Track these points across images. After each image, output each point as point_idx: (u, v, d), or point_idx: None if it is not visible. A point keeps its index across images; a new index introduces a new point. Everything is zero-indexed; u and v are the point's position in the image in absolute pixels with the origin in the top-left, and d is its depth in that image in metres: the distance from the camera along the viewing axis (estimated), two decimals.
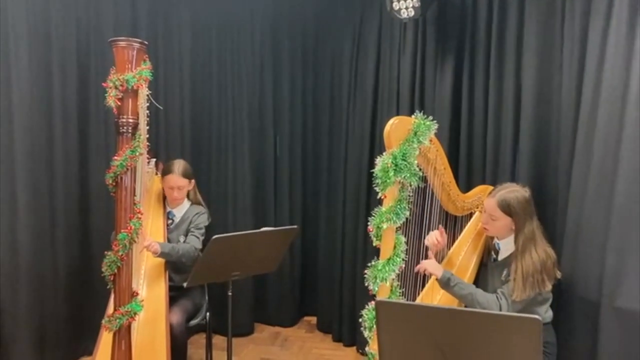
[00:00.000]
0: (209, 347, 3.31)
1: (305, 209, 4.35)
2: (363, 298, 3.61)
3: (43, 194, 3.28)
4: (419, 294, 2.49)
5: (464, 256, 2.58)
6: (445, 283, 2.33)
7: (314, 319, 4.36)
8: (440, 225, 2.49)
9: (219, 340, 3.78)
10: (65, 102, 3.35)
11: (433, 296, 2.49)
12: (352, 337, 3.88)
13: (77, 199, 3.47)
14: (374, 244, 2.25)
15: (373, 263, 2.21)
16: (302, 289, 4.40)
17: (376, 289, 2.18)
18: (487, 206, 2.41)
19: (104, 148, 3.51)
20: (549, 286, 2.27)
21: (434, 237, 2.45)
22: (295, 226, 2.76)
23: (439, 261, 2.54)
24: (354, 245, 3.83)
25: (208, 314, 3.15)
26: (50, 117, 3.30)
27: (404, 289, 2.31)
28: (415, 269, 2.40)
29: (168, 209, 3.20)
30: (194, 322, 3.08)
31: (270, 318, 4.29)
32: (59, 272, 3.39)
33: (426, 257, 2.43)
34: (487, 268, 2.54)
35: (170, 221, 3.18)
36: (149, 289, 2.84)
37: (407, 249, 2.25)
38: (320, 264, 4.25)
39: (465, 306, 2.32)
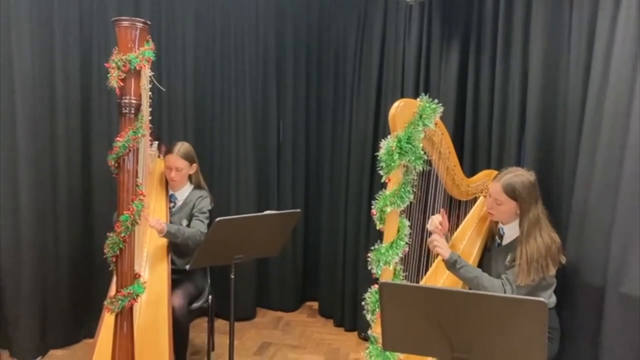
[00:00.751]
0: (211, 330, 3.32)
1: (308, 194, 4.35)
2: (365, 283, 3.59)
3: (45, 176, 3.28)
4: (422, 277, 2.48)
5: (467, 241, 2.57)
6: (452, 265, 2.32)
7: (315, 304, 4.37)
8: (442, 209, 2.47)
9: (221, 324, 3.79)
10: (67, 82, 3.34)
11: (437, 279, 2.48)
12: (353, 322, 3.90)
13: (80, 180, 3.46)
14: (377, 228, 2.23)
15: (376, 246, 2.20)
16: (304, 274, 4.41)
17: (379, 272, 2.16)
18: (492, 190, 2.39)
19: (107, 129, 3.49)
20: (553, 271, 2.25)
21: (437, 221, 2.43)
22: (298, 210, 2.73)
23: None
24: (356, 231, 3.83)
25: (210, 297, 3.15)
26: (52, 98, 3.29)
27: (407, 273, 2.29)
28: (428, 242, 2.38)
29: (170, 192, 3.19)
30: (196, 305, 3.07)
31: (273, 303, 4.31)
32: (61, 254, 3.40)
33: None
34: (491, 253, 2.53)
35: (172, 204, 3.17)
36: (151, 271, 2.84)
37: (410, 233, 2.23)
38: (322, 249, 4.25)
39: (470, 289, 2.31)
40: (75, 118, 3.40)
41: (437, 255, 2.42)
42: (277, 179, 4.21)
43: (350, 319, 3.92)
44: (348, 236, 3.91)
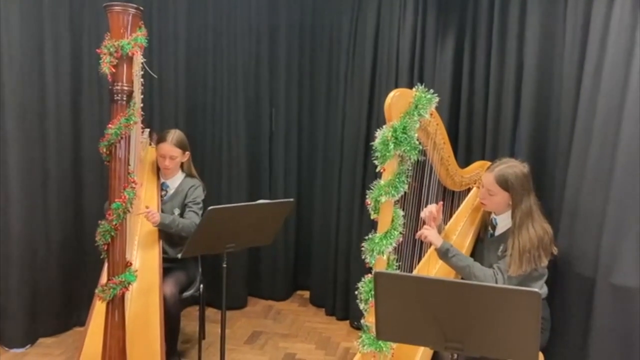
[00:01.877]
0: (202, 319, 3.32)
1: (300, 183, 4.34)
2: (357, 273, 3.59)
3: (35, 163, 3.24)
4: (415, 267, 2.48)
5: (460, 231, 2.58)
6: (444, 253, 2.33)
7: (307, 294, 4.38)
8: (440, 202, 2.47)
9: (212, 313, 3.79)
10: (57, 70, 3.29)
11: (429, 269, 2.49)
12: (345, 311, 3.91)
13: (70, 168, 3.43)
14: (371, 217, 2.23)
15: (370, 236, 2.20)
16: (295, 263, 4.41)
17: (373, 262, 2.16)
18: (485, 181, 2.39)
19: (98, 116, 3.46)
20: (545, 262, 2.26)
21: (433, 209, 2.44)
22: (291, 199, 2.73)
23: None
24: (349, 220, 3.83)
25: (202, 286, 3.14)
26: (42, 85, 3.24)
27: (400, 263, 2.30)
28: (416, 235, 2.39)
29: (162, 180, 3.16)
30: (187, 293, 3.06)
31: (264, 291, 4.31)
32: (52, 241, 3.37)
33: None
34: (484, 243, 2.54)
35: (164, 192, 3.14)
36: (142, 259, 2.83)
37: (404, 223, 2.23)
38: (314, 238, 4.25)
39: (462, 278, 2.32)
40: (66, 105, 3.36)
41: (431, 245, 2.42)
42: (269, 168, 4.20)
43: (342, 308, 3.93)
44: (340, 225, 3.90)
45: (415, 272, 2.46)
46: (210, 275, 3.40)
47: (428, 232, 2.36)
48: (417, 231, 2.40)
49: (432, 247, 2.43)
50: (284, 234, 4.21)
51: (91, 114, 3.46)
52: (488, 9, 2.93)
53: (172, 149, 3.03)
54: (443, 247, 2.33)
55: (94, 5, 3.35)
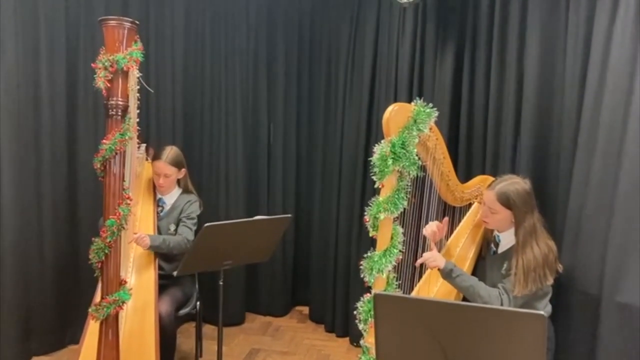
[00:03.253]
0: (198, 336, 3.26)
1: (298, 197, 4.30)
2: (357, 288, 3.58)
3: (29, 178, 3.20)
4: (415, 285, 2.43)
5: (461, 248, 2.52)
6: (447, 274, 2.28)
7: (306, 309, 4.32)
8: (446, 218, 2.42)
9: (209, 330, 3.73)
10: (53, 83, 3.26)
11: (430, 287, 2.44)
12: (345, 327, 3.84)
13: (65, 183, 3.38)
14: (370, 235, 2.18)
15: (369, 254, 2.15)
16: (294, 278, 4.36)
17: (372, 280, 2.11)
18: (486, 199, 2.35)
19: (93, 131, 3.42)
20: (550, 280, 2.21)
21: (433, 228, 2.39)
22: (289, 215, 2.69)
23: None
24: (348, 235, 3.78)
25: (198, 303, 3.09)
26: (37, 99, 3.21)
27: (400, 281, 2.24)
28: (417, 263, 2.33)
29: (158, 196, 3.12)
30: (183, 311, 3.02)
31: (262, 307, 4.25)
32: (46, 258, 3.31)
33: (424, 249, 2.37)
34: (486, 261, 2.48)
35: (160, 208, 3.10)
36: (137, 277, 2.78)
37: (404, 240, 2.18)
38: (313, 253, 4.20)
39: (465, 298, 2.27)
40: (61, 119, 3.32)
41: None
42: (267, 182, 4.16)
43: (342, 325, 3.86)
44: (340, 240, 3.85)
45: (415, 291, 2.41)
46: (207, 291, 3.34)
47: (430, 255, 2.30)
48: (418, 248, 2.35)
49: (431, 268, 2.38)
50: (282, 248, 4.16)
51: (86, 128, 3.42)
52: (487, 21, 2.90)
53: (166, 167, 3.00)
54: (447, 267, 2.28)
55: (90, 18, 3.32)
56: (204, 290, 3.24)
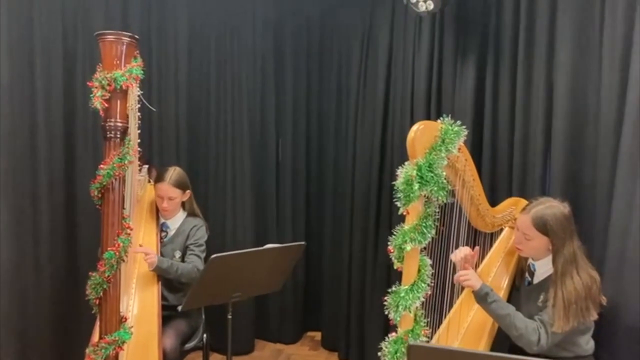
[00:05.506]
0: None
1: (309, 218, 4.13)
2: (372, 313, 3.39)
3: (26, 205, 2.97)
4: (445, 318, 2.22)
5: (494, 277, 2.31)
6: (482, 298, 2.08)
7: (318, 335, 4.12)
8: (476, 247, 2.24)
9: (217, 359, 3.52)
10: (49, 103, 3.02)
11: (462, 315, 2.24)
12: (360, 355, 3.63)
13: (63, 210, 3.13)
14: (395, 267, 1.98)
15: (394, 289, 1.94)
16: (305, 301, 4.17)
17: (398, 319, 1.90)
18: (521, 224, 2.14)
19: (92, 154, 3.21)
20: (594, 315, 2.02)
21: (464, 254, 2.18)
22: (302, 242, 2.50)
23: None
24: (362, 255, 3.60)
25: (205, 335, 2.89)
26: (33, 120, 2.97)
27: (428, 319, 2.03)
28: (455, 279, 2.14)
29: (162, 221, 2.93)
30: (189, 345, 2.83)
31: (271, 334, 4.05)
32: (43, 291, 3.07)
33: (452, 280, 2.17)
34: (520, 292, 2.27)
35: (164, 233, 2.92)
36: (139, 309, 2.58)
37: (432, 273, 1.97)
38: (325, 275, 4.04)
39: (499, 327, 2.10)
40: (58, 141, 3.08)
41: (463, 289, 2.19)
42: (275, 204, 3.99)
43: (357, 353, 3.64)
44: (354, 262, 3.66)
45: (445, 324, 2.20)
46: (215, 319, 3.13)
47: (466, 273, 2.11)
48: (447, 281, 2.15)
49: (464, 294, 2.19)
50: (293, 271, 3.94)
51: (85, 151, 3.19)
52: (512, 29, 2.73)
53: (170, 189, 2.82)
54: (482, 290, 2.08)
55: (89, 33, 3.14)
56: (211, 317, 3.04)
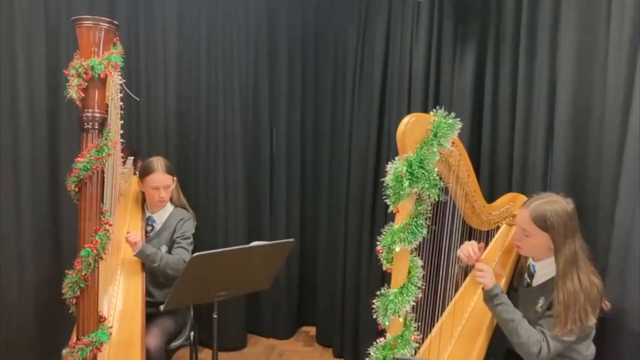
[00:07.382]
0: None
1: (303, 210, 4.04)
2: (366, 308, 3.27)
3: (8, 204, 2.88)
4: (436, 322, 2.12)
5: None
6: (490, 297, 2.00)
7: (312, 330, 4.06)
8: (481, 243, 2.16)
9: (207, 356, 3.42)
10: (32, 94, 2.92)
11: (464, 303, 2.18)
12: (355, 352, 3.55)
13: (47, 206, 3.03)
14: (383, 268, 1.87)
15: (383, 292, 1.83)
16: (299, 296, 4.10)
17: (387, 323, 1.80)
18: (520, 219, 2.03)
19: (77, 146, 3.08)
20: (592, 320, 1.90)
21: (470, 250, 2.10)
22: (291, 239, 2.38)
23: (463, 280, 2.25)
24: (357, 250, 3.52)
25: (193, 333, 2.80)
26: (15, 112, 2.88)
27: (419, 323, 1.91)
28: (474, 271, 2.08)
29: (147, 214, 2.83)
30: (175, 344, 2.74)
31: (265, 329, 3.98)
32: (26, 288, 2.99)
33: (445, 282, 2.07)
34: (518, 294, 2.16)
35: (150, 227, 2.83)
36: (122, 306, 2.47)
37: (423, 275, 1.86)
38: (320, 270, 3.96)
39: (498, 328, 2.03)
40: (42, 134, 2.97)
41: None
42: (269, 197, 3.91)
43: (352, 349, 3.57)
44: (349, 255, 3.58)
45: (437, 328, 2.09)
46: (206, 313, 3.02)
47: (484, 268, 2.03)
48: (438, 283, 2.04)
49: (472, 277, 2.10)
50: (287, 263, 3.87)
51: (70, 144, 3.06)
52: (514, 16, 2.60)
53: (165, 177, 2.74)
54: (493, 290, 2.00)
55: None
56: (201, 312, 2.96)
